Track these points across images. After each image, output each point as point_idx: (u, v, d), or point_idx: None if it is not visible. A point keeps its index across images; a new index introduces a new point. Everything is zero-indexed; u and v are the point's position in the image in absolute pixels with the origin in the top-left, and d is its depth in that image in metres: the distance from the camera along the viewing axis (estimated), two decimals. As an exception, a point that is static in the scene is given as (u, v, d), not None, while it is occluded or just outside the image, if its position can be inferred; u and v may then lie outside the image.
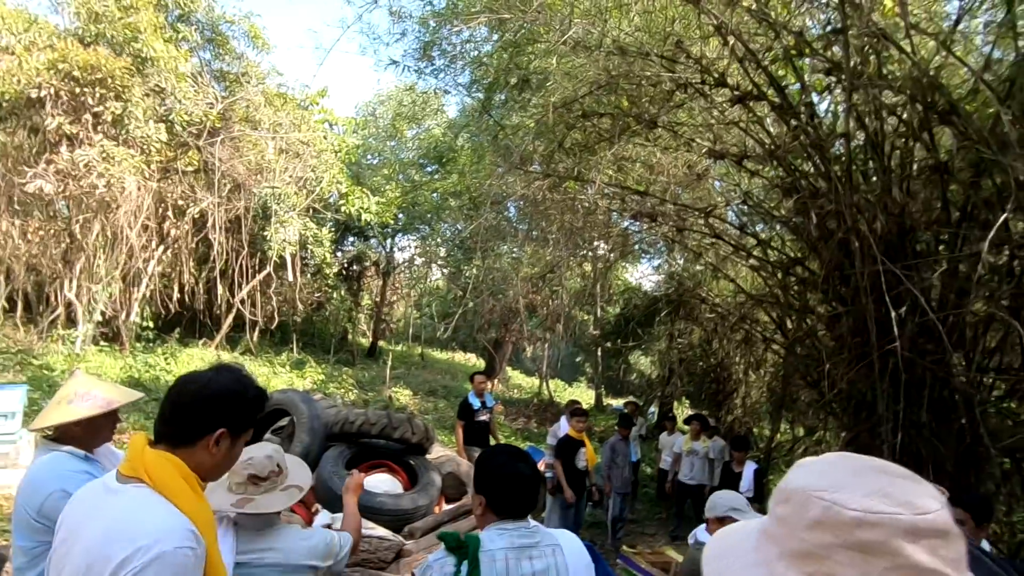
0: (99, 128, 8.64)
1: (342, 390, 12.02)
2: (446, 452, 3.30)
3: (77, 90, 8.17)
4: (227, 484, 1.80)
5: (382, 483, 2.67)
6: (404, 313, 24.51)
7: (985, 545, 2.56)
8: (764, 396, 10.85)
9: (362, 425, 2.74)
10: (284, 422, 2.94)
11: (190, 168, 10.59)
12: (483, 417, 6.17)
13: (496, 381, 18.38)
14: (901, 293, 4.43)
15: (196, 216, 11.37)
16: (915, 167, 5.07)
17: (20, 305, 9.83)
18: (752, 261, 7.22)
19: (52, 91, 8.06)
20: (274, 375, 11.88)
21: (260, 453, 1.83)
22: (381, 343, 20.66)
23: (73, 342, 9.32)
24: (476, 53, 7.85)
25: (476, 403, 6.24)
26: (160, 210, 11.06)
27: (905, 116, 4.89)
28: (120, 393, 1.98)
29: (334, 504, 2.49)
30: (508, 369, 21.86)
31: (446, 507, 2.63)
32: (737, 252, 7.25)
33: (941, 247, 4.92)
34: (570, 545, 1.64)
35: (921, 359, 4.39)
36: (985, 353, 5.11)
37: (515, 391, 19.26)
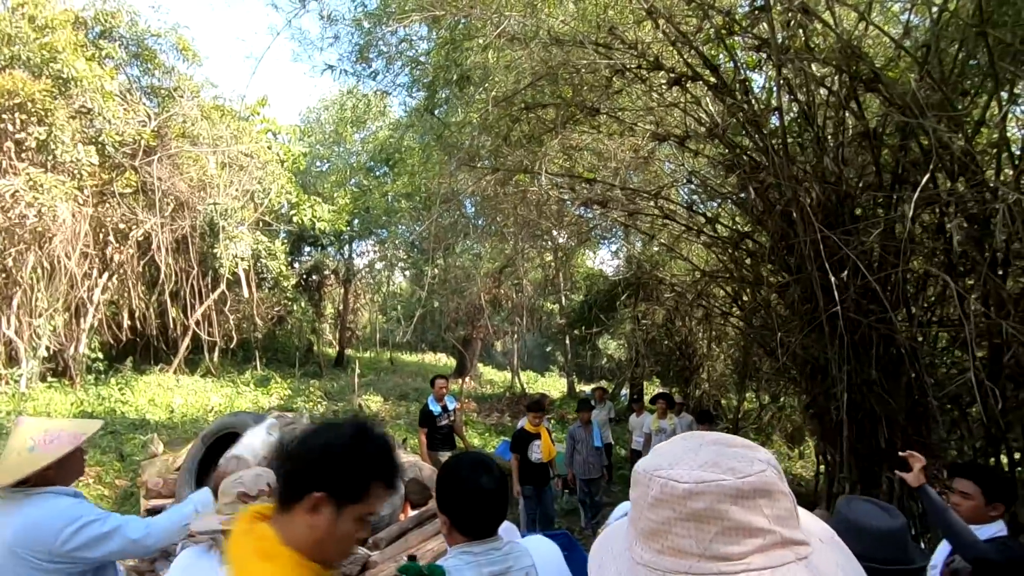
0: (23, 155, 8.18)
1: (310, 403, 11.78)
2: (408, 458, 3.27)
3: (-6, 116, 7.73)
4: (217, 507, 1.72)
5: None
6: (369, 319, 24.17)
7: (994, 528, 2.18)
8: (728, 368, 11.17)
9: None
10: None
11: (128, 190, 10.16)
12: (445, 422, 6.09)
13: (468, 379, 18.35)
14: (842, 258, 4.60)
15: (140, 239, 10.93)
16: (847, 135, 5.26)
17: (-45, 348, 9.28)
18: (704, 238, 7.38)
19: (-33, 120, 7.60)
20: (238, 395, 11.56)
21: (250, 472, 1.78)
22: (348, 351, 20.35)
23: (17, 381, 8.85)
24: (413, 53, 7.76)
25: (437, 408, 6.12)
26: (100, 235, 10.58)
27: (833, 87, 5.07)
28: (80, 426, 1.95)
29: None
30: (479, 365, 21.84)
31: (411, 513, 2.60)
32: (689, 231, 7.40)
33: (879, 211, 5.12)
34: (545, 558, 1.55)
35: (866, 319, 4.57)
36: (926, 308, 5.37)
37: (487, 386, 19.27)
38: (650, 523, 0.60)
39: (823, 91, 5.19)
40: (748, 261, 6.77)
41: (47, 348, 9.41)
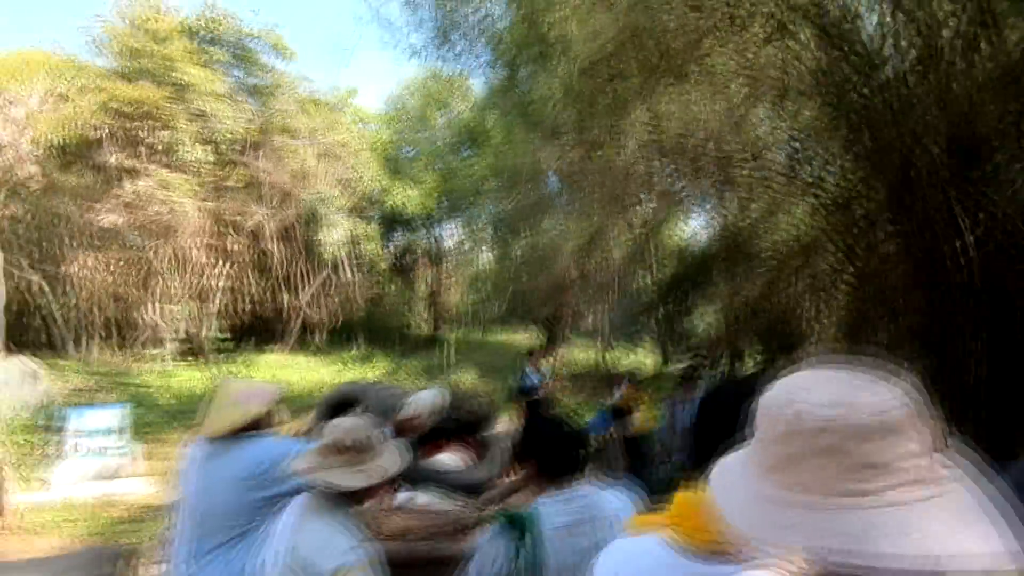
0: (153, 158, 9.15)
1: (409, 378, 12.43)
2: (511, 424, 3.39)
3: (128, 125, 8.67)
4: (311, 452, 1.64)
5: (450, 459, 2.76)
6: (460, 298, 24.88)
7: None
8: (838, 338, 10.38)
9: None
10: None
11: (239, 184, 11.06)
12: (541, 392, 6.38)
13: (557, 355, 18.44)
14: (974, 214, 4.12)
15: (252, 229, 11.90)
16: (975, 74, 4.65)
17: (112, 332, 10.66)
18: (808, 199, 6.88)
19: (107, 130, 8.59)
20: (345, 371, 12.41)
21: (347, 421, 1.66)
22: (442, 329, 21.10)
23: (163, 360, 10.05)
24: (494, 30, 7.74)
25: (534, 380, 6.46)
26: (219, 228, 11.65)
27: (960, 25, 4.49)
28: (272, 385, 2.38)
29: (412, 483, 2.61)
30: (568, 341, 21.85)
31: (516, 476, 2.71)
32: (790, 195, 6.93)
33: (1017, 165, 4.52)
34: (627, 508, 1.58)
35: (1011, 282, 4.08)
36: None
37: (576, 363, 19.26)
38: (777, 458, 0.60)
39: (950, 28, 4.62)
40: (860, 222, 6.24)
41: (183, 331, 10.57)
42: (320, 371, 12.01)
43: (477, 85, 15.25)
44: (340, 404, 3.22)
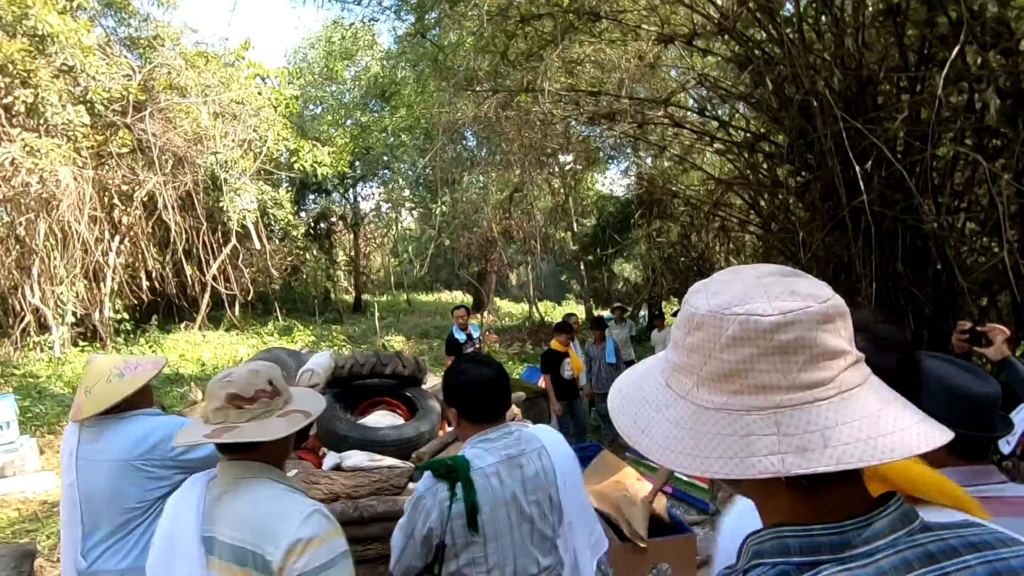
0: (14, 121, 8.01)
1: (334, 347, 12.04)
2: (440, 381, 3.33)
3: (-24, 82, 7.51)
4: (203, 415, 1.39)
5: (382, 418, 2.69)
6: (382, 262, 24.25)
7: None
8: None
9: (352, 368, 2.72)
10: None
11: (125, 149, 9.99)
12: (470, 349, 6.31)
13: (486, 312, 18.55)
14: (866, 148, 4.41)
15: (145, 199, 10.85)
16: (867, 15, 4.91)
17: (-14, 321, 9.51)
18: (717, 145, 7.14)
19: (-48, 88, 7.41)
20: (264, 345, 11.82)
21: (241, 369, 1.41)
22: (365, 296, 20.56)
23: (51, 347, 9.10)
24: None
25: (461, 336, 6.41)
26: (106, 199, 10.52)
27: (853, -38, 4.69)
28: (152, 358, 2.16)
29: (338, 446, 2.52)
30: (496, 299, 22.02)
31: (448, 430, 2.68)
32: (701, 138, 7.14)
33: (903, 95, 4.85)
34: (553, 443, 1.67)
35: (891, 211, 4.43)
36: (953, 195, 5.18)
37: (506, 319, 19.48)
38: (726, 365, 0.56)
39: (841, -31, 4.81)
40: (765, 164, 6.55)
41: (74, 314, 9.60)
42: (236, 347, 11.38)
43: (384, 33, 14.50)
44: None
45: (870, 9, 4.89)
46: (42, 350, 9.08)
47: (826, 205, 5.17)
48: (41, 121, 8.15)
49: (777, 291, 0.57)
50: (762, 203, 7.05)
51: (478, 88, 7.32)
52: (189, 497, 1.36)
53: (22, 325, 9.25)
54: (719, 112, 6.90)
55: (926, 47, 4.56)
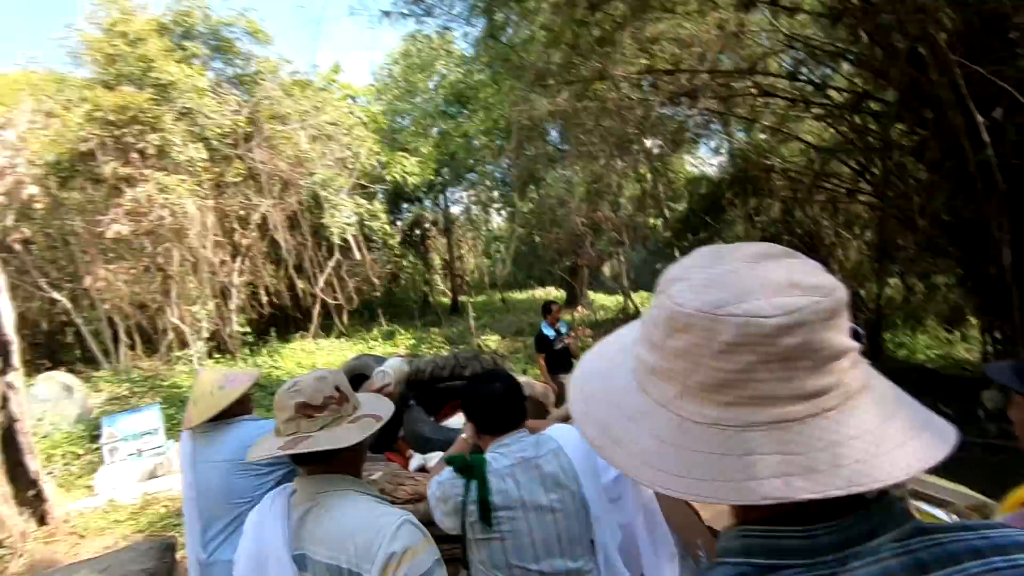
0: (147, 163, 9.12)
1: (433, 349, 12.51)
2: (521, 378, 3.33)
3: (116, 132, 8.62)
4: (275, 428, 1.39)
5: (463, 419, 2.73)
6: (475, 264, 24.83)
7: None
8: (865, 254, 10.02)
9: (433, 371, 2.79)
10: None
11: (238, 178, 11.02)
12: (559, 345, 6.36)
13: (580, 307, 18.40)
14: (994, 94, 3.84)
15: (259, 222, 11.91)
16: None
17: (139, 339, 10.90)
18: (815, 110, 6.55)
19: (97, 140, 8.56)
20: (369, 350, 12.54)
21: (307, 377, 1.40)
22: (461, 298, 21.16)
23: (191, 360, 10.26)
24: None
25: (551, 333, 6.45)
26: (226, 224, 11.69)
27: None
28: (247, 371, 2.45)
29: (422, 448, 2.59)
30: (590, 293, 21.76)
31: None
32: (795, 105, 6.59)
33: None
34: (568, 440, 1.68)
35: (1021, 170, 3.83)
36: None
37: (600, 312, 19.19)
38: (720, 375, 0.48)
39: None
40: (872, 126, 5.91)
41: (207, 330, 10.75)
42: (345, 353, 12.16)
43: (458, 39, 14.84)
44: (351, 379, 3.21)
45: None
46: (184, 364, 10.27)
47: (949, 164, 4.56)
48: (168, 160, 9.20)
49: (776, 283, 0.48)
50: (874, 169, 6.37)
51: (551, 82, 7.25)
52: (272, 515, 1.35)
53: (166, 342, 10.51)
54: (814, 75, 6.32)
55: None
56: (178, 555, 3.57)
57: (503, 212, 20.19)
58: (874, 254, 9.08)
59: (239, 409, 2.16)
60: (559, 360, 6.28)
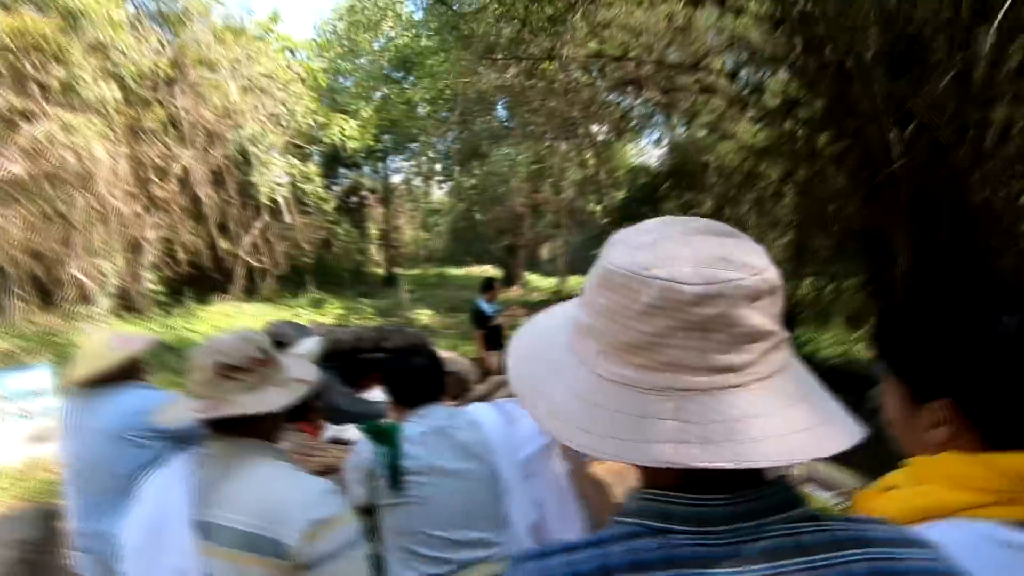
0: (49, 98, 8.24)
1: (363, 320, 12.23)
2: (447, 355, 3.30)
3: (14, 61, 7.71)
4: (190, 389, 1.26)
5: (383, 393, 2.68)
6: (413, 236, 24.41)
7: None
8: (784, 253, 10.62)
9: (354, 342, 2.71)
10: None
11: (157, 125, 10.18)
12: (497, 322, 6.49)
13: (516, 287, 18.53)
14: (910, 112, 4.10)
15: (179, 174, 11.10)
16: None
17: (35, 291, 9.97)
18: (751, 112, 6.80)
19: (-10, 67, 7.64)
20: (295, 317, 12.08)
21: (229, 337, 1.29)
22: (396, 269, 20.78)
23: (93, 317, 9.50)
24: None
25: (489, 309, 6.56)
26: (141, 174, 10.81)
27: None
28: (143, 334, 2.26)
29: (337, 420, 2.52)
30: (526, 273, 21.96)
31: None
32: (733, 105, 6.81)
33: (955, 54, 4.47)
34: (488, 417, 1.73)
35: (934, 180, 4.13)
36: (1007, 162, 4.79)
37: (534, 293, 19.41)
38: (637, 335, 0.49)
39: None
40: (801, 132, 6.21)
41: (113, 285, 9.97)
42: (269, 319, 11.65)
43: (408, 3, 14.31)
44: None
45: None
46: (85, 321, 9.49)
47: (864, 173, 4.86)
48: (75, 98, 8.35)
49: (707, 255, 0.49)
50: (800, 173, 6.71)
51: (499, 56, 7.12)
52: (176, 479, 1.24)
53: (66, 296, 9.67)
54: (753, 77, 6.55)
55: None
56: (61, 524, 3.32)
57: (444, 186, 19.87)
58: (792, 254, 9.66)
59: (128, 375, 1.98)
60: (494, 337, 6.32)
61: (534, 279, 22.97)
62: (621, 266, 0.51)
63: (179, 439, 1.78)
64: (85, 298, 9.72)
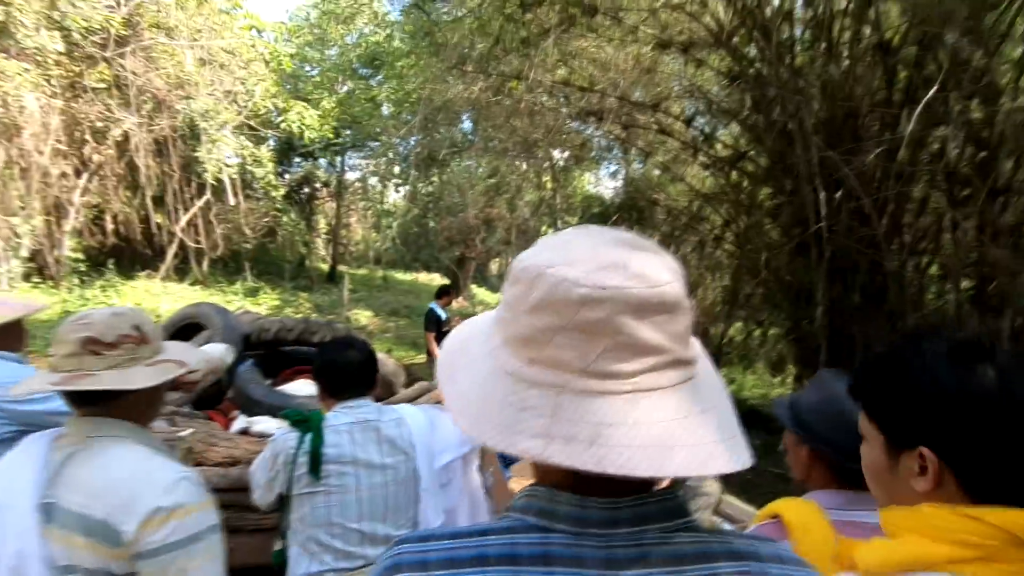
0: (-18, 38, 7.65)
1: (299, 314, 11.83)
2: (379, 355, 3.24)
3: (-55, -8, 7.13)
4: (51, 361, 1.19)
5: (303, 387, 2.60)
6: (363, 235, 23.95)
7: None
8: (719, 297, 11.12)
9: (279, 332, 2.62)
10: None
11: (101, 84, 9.61)
12: (447, 328, 6.60)
13: (461, 298, 18.44)
14: (840, 179, 4.40)
15: (119, 139, 10.48)
16: (861, 46, 4.91)
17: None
18: (701, 158, 7.12)
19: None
20: (226, 304, 11.54)
21: (103, 311, 1.23)
22: (341, 267, 20.27)
23: (-1, 280, 8.78)
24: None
25: (443, 315, 6.82)
26: (76, 134, 10.14)
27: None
28: (27, 301, 1.93)
29: (251, 411, 2.42)
30: (473, 286, 21.90)
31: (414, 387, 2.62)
32: (686, 149, 7.12)
33: (885, 133, 4.85)
34: (414, 416, 1.74)
35: (854, 243, 4.45)
36: (919, 236, 5.22)
37: (479, 307, 19.39)
38: (527, 329, 0.50)
39: (842, 0, 4.80)
40: (745, 183, 6.55)
41: (27, 248, 9.25)
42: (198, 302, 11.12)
43: (385, 2, 14.21)
44: (184, 328, 2.91)
45: (864, 43, 4.88)
46: (-12, 282, 8.75)
47: (796, 230, 5.17)
48: (11, 42, 7.77)
49: (607, 262, 0.49)
50: (740, 222, 7.07)
51: (469, 69, 7.18)
52: (26, 459, 1.16)
53: (-30, 253, 8.90)
54: (707, 126, 6.89)
55: (912, 87, 4.57)
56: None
57: (401, 189, 19.64)
58: (726, 298, 10.11)
59: (1, 343, 1.81)
60: (440, 340, 6.39)
61: (481, 293, 22.95)
62: (525, 261, 0.52)
63: (30, 425, 1.66)
64: (-8, 258, 8.97)
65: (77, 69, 9.17)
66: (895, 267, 4.53)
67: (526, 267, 0.52)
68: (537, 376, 0.49)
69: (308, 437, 1.56)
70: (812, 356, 5.22)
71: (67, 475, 1.13)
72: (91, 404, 1.18)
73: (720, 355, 10.04)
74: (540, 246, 0.54)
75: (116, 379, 1.15)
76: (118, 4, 9.14)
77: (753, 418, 8.15)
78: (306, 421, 1.60)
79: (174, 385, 2.07)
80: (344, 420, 1.62)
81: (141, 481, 1.10)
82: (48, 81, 8.43)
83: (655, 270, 0.50)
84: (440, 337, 6.54)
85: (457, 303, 17.11)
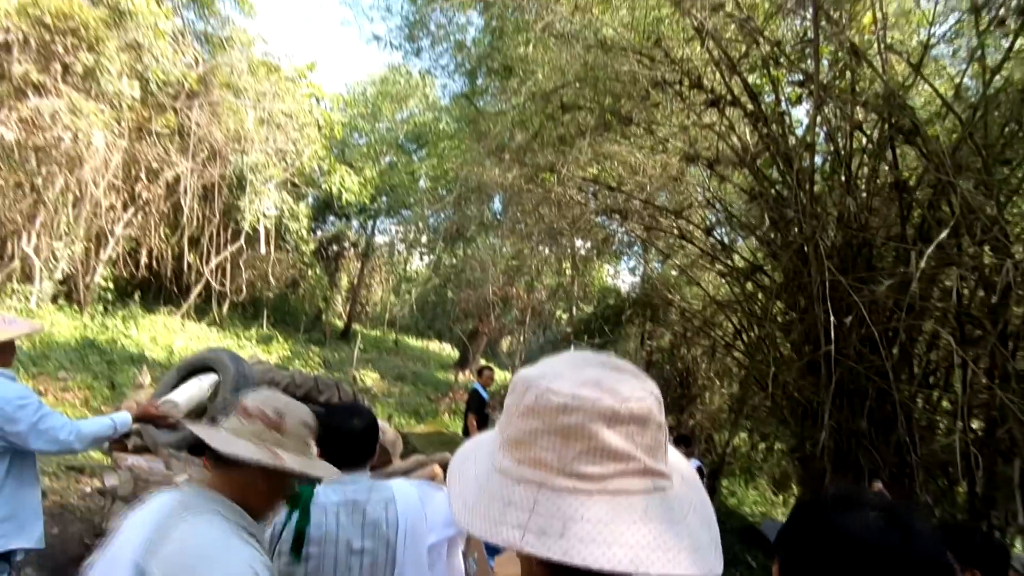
0: (68, 79, 8.40)
1: (308, 368, 11.89)
2: (379, 423, 3.27)
3: (47, 37, 7.92)
4: (248, 433, 1.29)
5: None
6: (381, 297, 24.31)
7: None
8: (725, 403, 10.96)
9: (288, 386, 2.70)
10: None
11: (165, 130, 10.36)
12: (488, 410, 6.60)
13: (468, 372, 18.35)
14: (851, 304, 4.49)
15: (170, 181, 11.13)
16: (878, 183, 5.14)
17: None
18: (718, 266, 7.29)
19: (20, 36, 7.81)
20: (239, 348, 11.70)
21: (262, 393, 1.40)
22: (356, 326, 20.48)
23: (28, 298, 9.07)
24: (460, 37, 7.79)
25: (487, 395, 6.70)
26: (132, 172, 10.81)
27: (872, 134, 4.96)
28: (25, 321, 2.19)
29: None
30: (481, 361, 21.82)
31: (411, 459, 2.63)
32: (704, 256, 7.32)
33: (899, 267, 5.00)
34: (405, 496, 1.72)
35: (865, 370, 4.45)
36: (930, 370, 5.20)
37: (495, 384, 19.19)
38: (518, 431, 0.59)
39: (862, 138, 5.10)
40: (759, 295, 6.66)
41: (62, 271, 9.63)
42: (211, 343, 11.27)
43: (436, 87, 15.30)
44: (196, 370, 3.01)
45: (881, 180, 5.12)
46: (18, 299, 9.05)
47: (806, 348, 5.21)
48: (93, 85, 8.52)
49: (587, 378, 0.57)
50: (751, 332, 7.12)
51: (506, 157, 7.62)
52: (147, 518, 1.19)
53: (7, 270, 9.27)
54: (726, 237, 7.12)
55: (925, 226, 4.74)
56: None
57: (425, 258, 20.16)
58: (733, 406, 9.96)
59: None
60: (486, 422, 6.41)
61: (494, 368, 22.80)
62: (522, 374, 0.61)
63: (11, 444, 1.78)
64: (28, 277, 9.33)
65: (147, 115, 9.93)
66: (904, 398, 4.51)
67: (522, 378, 0.61)
68: (523, 474, 0.57)
69: (295, 514, 1.55)
70: (817, 478, 5.10)
71: (163, 542, 1.13)
72: (223, 468, 1.25)
73: (723, 464, 9.75)
74: (538, 364, 0.64)
75: (300, 463, 1.30)
76: (196, 63, 10.03)
77: (751, 536, 7.79)
78: (295, 497, 1.57)
79: (150, 416, 2.15)
80: (333, 499, 1.61)
81: (214, 566, 1.10)
82: (118, 122, 9.13)
83: (629, 388, 0.57)
84: (481, 419, 6.39)
85: (463, 376, 17.03)
